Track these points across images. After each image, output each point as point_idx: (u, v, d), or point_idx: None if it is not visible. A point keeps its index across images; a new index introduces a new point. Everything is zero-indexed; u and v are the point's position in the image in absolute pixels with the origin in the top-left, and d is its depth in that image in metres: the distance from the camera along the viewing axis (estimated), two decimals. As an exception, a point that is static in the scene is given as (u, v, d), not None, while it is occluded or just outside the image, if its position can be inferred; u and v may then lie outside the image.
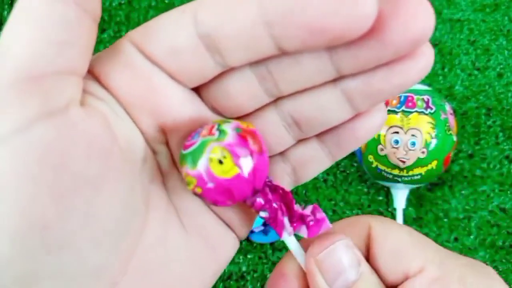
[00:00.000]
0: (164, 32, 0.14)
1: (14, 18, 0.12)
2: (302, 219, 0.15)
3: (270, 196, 0.15)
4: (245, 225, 0.17)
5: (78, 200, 0.12)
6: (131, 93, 0.14)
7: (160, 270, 0.15)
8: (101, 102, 0.14)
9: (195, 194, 0.14)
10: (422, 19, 0.12)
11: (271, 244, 0.40)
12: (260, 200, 0.15)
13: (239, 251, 0.40)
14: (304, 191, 0.41)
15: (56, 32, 0.12)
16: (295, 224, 0.15)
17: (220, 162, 0.14)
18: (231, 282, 0.39)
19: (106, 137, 0.13)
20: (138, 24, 0.45)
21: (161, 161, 0.16)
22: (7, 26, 0.12)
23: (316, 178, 0.41)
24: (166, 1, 0.45)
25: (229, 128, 0.14)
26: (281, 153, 0.17)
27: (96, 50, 0.44)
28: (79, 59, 0.13)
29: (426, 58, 0.13)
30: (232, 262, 0.40)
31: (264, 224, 0.39)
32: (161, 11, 0.45)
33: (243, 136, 0.14)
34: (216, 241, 0.16)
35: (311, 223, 0.15)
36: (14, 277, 0.12)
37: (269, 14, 0.12)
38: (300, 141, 0.17)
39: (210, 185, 0.14)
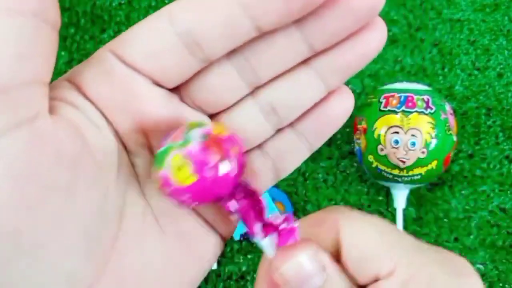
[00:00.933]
0: (141, 36, 0.14)
1: None
2: (273, 226, 0.15)
3: (240, 201, 0.15)
4: (228, 225, 0.17)
5: (48, 208, 0.12)
6: (110, 100, 0.15)
7: (136, 274, 0.15)
8: (75, 110, 0.14)
9: (163, 193, 0.15)
10: None
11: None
12: (229, 204, 0.15)
13: (239, 251, 0.40)
14: (304, 191, 0.41)
15: (16, 45, 0.12)
16: (266, 230, 0.15)
17: (179, 169, 0.14)
18: (231, 282, 0.39)
19: (76, 146, 0.13)
20: (138, 24, 0.45)
21: (140, 164, 0.16)
22: None
23: (316, 178, 0.41)
24: (166, 1, 0.45)
25: (196, 134, 0.14)
26: (261, 147, 0.17)
27: (96, 50, 0.44)
28: (42, 69, 0.13)
29: (380, 29, 0.15)
30: (232, 262, 0.40)
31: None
32: (161, 11, 0.45)
33: (206, 145, 0.14)
34: (196, 242, 0.16)
35: (283, 232, 0.15)
36: None
37: None
38: (277, 132, 0.17)
39: (172, 188, 0.14)
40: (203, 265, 0.17)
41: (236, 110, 0.16)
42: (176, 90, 0.16)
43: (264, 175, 0.17)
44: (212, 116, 0.17)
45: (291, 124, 0.17)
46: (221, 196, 0.15)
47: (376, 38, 0.15)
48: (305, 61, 0.16)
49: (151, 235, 0.15)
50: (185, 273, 0.16)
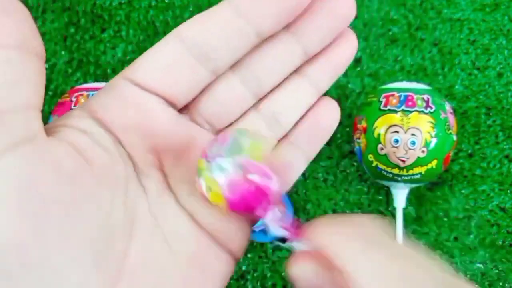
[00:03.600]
0: (152, 56, 0.16)
1: None
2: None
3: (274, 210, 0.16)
4: (240, 242, 0.17)
5: (51, 221, 0.13)
6: (124, 121, 0.16)
7: None
8: (78, 133, 0.15)
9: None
10: None
11: (271, 243, 0.40)
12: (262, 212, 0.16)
13: (239, 251, 0.40)
14: (304, 191, 0.41)
15: (5, 73, 0.13)
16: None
17: (210, 189, 0.15)
18: (231, 281, 0.39)
19: (75, 163, 0.14)
20: (138, 23, 0.45)
21: (151, 184, 0.16)
22: None
23: (316, 178, 0.41)
24: (166, 1, 0.45)
25: (231, 163, 0.15)
26: None
27: (96, 49, 0.44)
28: (31, 95, 0.13)
29: (353, 38, 0.18)
30: (232, 261, 0.40)
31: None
32: (161, 11, 0.45)
33: (238, 180, 0.15)
34: (209, 263, 0.16)
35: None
36: None
37: (240, 6, 0.15)
38: (278, 144, 0.18)
39: (207, 198, 0.16)
40: (216, 284, 0.17)
41: (242, 123, 0.18)
42: (185, 109, 0.17)
43: None
44: (220, 131, 0.17)
45: (286, 137, 0.19)
46: (253, 209, 0.16)
47: (353, 44, 0.18)
48: (298, 71, 0.18)
49: (162, 254, 0.16)
50: None
